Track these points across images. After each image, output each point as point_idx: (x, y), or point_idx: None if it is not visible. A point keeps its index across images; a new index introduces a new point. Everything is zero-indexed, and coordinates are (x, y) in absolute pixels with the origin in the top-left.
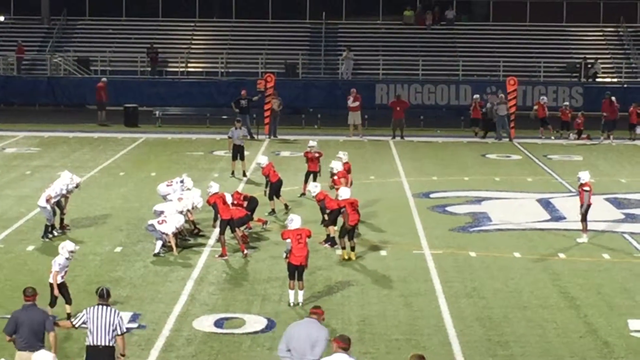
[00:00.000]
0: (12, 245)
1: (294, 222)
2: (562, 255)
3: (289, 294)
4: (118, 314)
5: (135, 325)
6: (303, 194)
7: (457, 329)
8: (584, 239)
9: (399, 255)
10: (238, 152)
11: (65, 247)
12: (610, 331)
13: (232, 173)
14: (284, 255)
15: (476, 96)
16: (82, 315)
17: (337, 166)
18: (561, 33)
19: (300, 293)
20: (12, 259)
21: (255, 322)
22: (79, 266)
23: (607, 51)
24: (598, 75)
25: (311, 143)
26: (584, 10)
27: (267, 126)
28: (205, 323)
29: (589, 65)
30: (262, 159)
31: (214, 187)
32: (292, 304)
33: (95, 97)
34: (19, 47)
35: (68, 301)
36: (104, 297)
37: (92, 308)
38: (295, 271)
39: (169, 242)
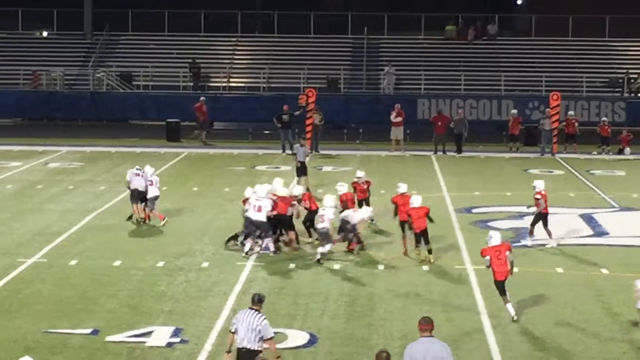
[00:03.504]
0: (55, 259)
1: (493, 238)
2: (605, 271)
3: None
4: (263, 319)
5: (177, 339)
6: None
7: (500, 344)
8: (552, 243)
9: (441, 270)
10: (301, 169)
11: None
12: None
13: None
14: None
15: (514, 112)
16: (235, 318)
17: (341, 189)
18: (604, 48)
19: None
20: (55, 273)
21: (297, 337)
22: (122, 280)
23: None
24: None
25: (358, 174)
26: (626, 24)
27: (309, 141)
28: None
29: (632, 80)
30: (298, 190)
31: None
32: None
33: (195, 116)
34: (35, 75)
35: None
36: (254, 302)
37: (242, 312)
38: (501, 286)
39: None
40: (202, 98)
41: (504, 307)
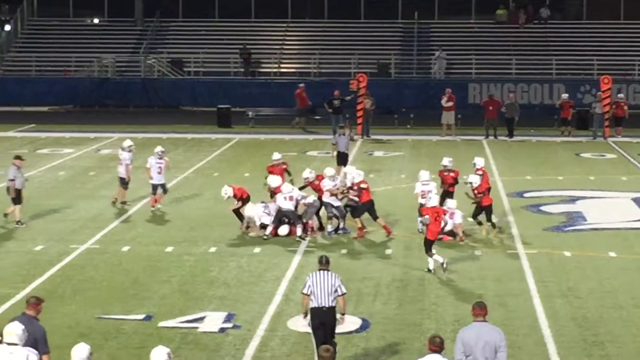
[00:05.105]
0: (107, 245)
1: (432, 200)
2: None
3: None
4: (337, 277)
5: (230, 325)
6: None
7: (552, 329)
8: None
9: (493, 254)
10: (342, 159)
11: None
12: None
13: None
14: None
15: (565, 95)
16: (307, 281)
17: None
18: None
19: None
20: (108, 259)
21: (349, 322)
22: (174, 266)
23: None
24: None
25: (444, 161)
26: None
27: (360, 126)
28: (299, 323)
29: None
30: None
31: None
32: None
33: (296, 103)
34: (65, 72)
35: None
36: (323, 263)
37: (314, 273)
38: (430, 244)
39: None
40: (301, 84)
41: (428, 260)
